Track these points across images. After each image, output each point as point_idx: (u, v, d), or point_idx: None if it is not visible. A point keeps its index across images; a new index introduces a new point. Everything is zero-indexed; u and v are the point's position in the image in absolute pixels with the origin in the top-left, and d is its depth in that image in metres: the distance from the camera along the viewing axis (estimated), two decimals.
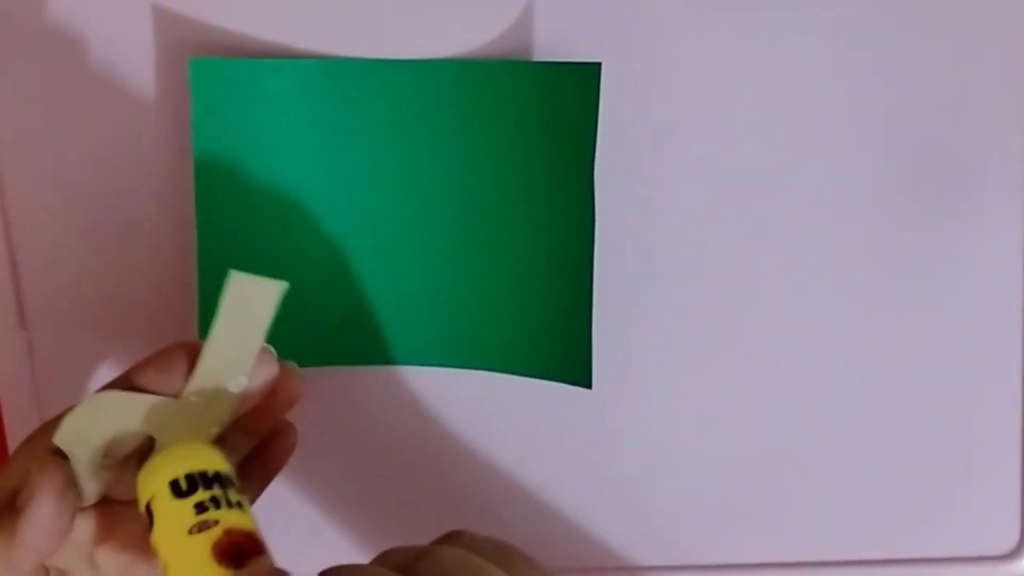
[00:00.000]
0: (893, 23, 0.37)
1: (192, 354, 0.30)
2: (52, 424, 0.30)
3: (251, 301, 0.30)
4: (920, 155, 0.38)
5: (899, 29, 0.37)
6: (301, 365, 0.33)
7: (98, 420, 0.29)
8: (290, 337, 0.35)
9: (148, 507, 0.28)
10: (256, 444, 0.34)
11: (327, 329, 0.39)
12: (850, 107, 0.38)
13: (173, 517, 0.27)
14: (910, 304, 0.40)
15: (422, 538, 0.31)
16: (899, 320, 0.40)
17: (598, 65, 0.36)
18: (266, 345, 0.31)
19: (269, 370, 0.31)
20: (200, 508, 0.27)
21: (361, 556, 0.41)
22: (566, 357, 0.38)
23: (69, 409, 0.29)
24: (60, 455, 0.29)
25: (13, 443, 0.39)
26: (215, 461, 0.29)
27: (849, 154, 0.38)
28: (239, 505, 0.28)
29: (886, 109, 0.38)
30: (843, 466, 0.41)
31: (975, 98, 0.38)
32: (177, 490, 0.28)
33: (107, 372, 0.39)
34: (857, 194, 0.39)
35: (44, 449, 0.29)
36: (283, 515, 0.41)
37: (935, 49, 0.38)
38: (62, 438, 0.29)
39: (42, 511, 0.28)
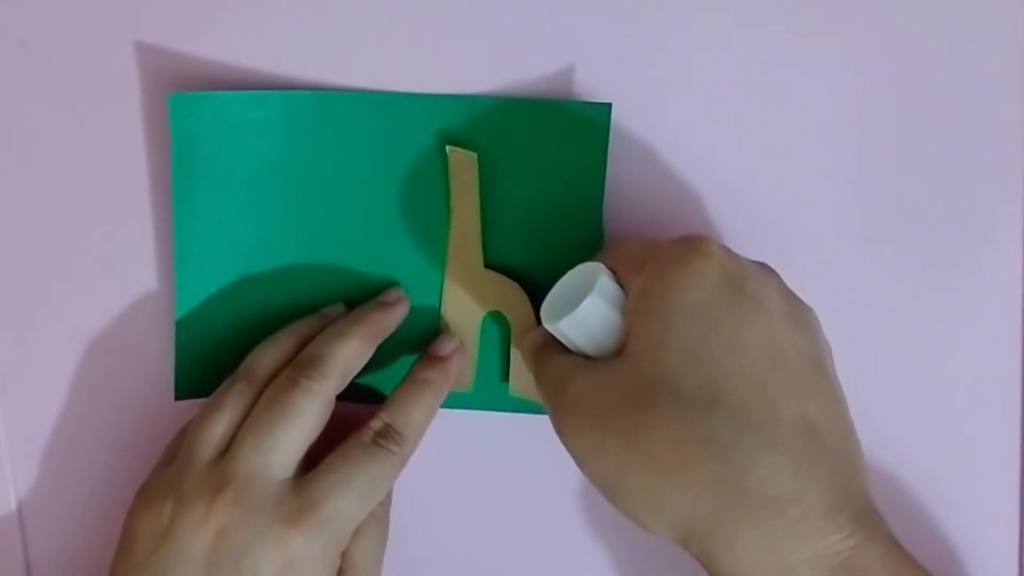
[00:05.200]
0: (902, 59, 0.38)
1: None
2: None
3: None
4: (920, 189, 0.38)
5: (907, 64, 0.38)
6: None
7: None
8: None
9: None
10: None
11: None
12: (858, 144, 0.38)
13: None
14: (902, 351, 0.39)
15: None
16: (892, 365, 0.39)
17: (608, 105, 0.36)
18: None
19: None
20: None
21: None
22: None
23: None
24: None
25: None
26: None
27: (857, 189, 0.38)
28: None
29: (893, 144, 0.38)
30: None
31: (976, 125, 0.38)
32: None
33: (80, 411, 0.39)
34: (863, 238, 0.38)
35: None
36: None
37: (938, 80, 0.38)
38: None
39: None
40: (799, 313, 0.32)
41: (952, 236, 0.38)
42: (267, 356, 0.35)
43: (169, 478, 0.34)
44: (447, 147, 0.36)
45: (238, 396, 0.34)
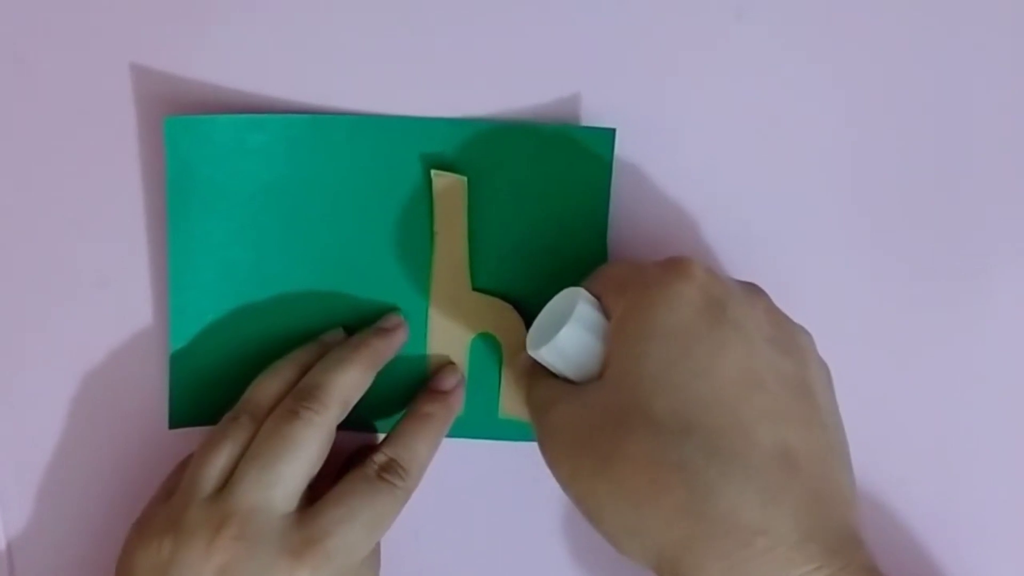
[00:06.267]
0: (906, 79, 0.38)
1: None
2: None
3: None
4: (928, 210, 0.38)
5: (911, 83, 0.38)
6: None
7: None
8: None
9: None
10: None
11: None
12: (863, 167, 0.38)
13: None
14: (911, 370, 0.39)
15: None
16: (900, 384, 0.39)
17: (612, 131, 0.36)
18: None
19: None
20: None
21: None
22: None
23: None
24: None
25: None
26: None
27: (862, 211, 0.38)
28: None
29: (898, 166, 0.38)
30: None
31: (982, 135, 0.38)
32: None
33: (72, 440, 0.39)
34: (869, 259, 0.38)
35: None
36: None
37: (942, 94, 0.38)
38: None
39: None
40: (787, 336, 0.32)
41: (962, 253, 0.38)
42: (268, 387, 0.35)
43: (168, 513, 0.33)
44: (432, 171, 0.36)
45: (239, 429, 0.34)
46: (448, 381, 0.37)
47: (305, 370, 0.35)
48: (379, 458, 0.34)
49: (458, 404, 0.37)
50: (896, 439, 0.39)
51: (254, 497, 0.32)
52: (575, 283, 0.35)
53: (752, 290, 0.33)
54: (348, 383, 0.34)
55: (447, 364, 0.38)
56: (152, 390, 0.38)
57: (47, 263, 0.38)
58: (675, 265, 0.31)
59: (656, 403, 0.29)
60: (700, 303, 0.31)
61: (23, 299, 0.38)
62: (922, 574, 0.40)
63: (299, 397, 0.34)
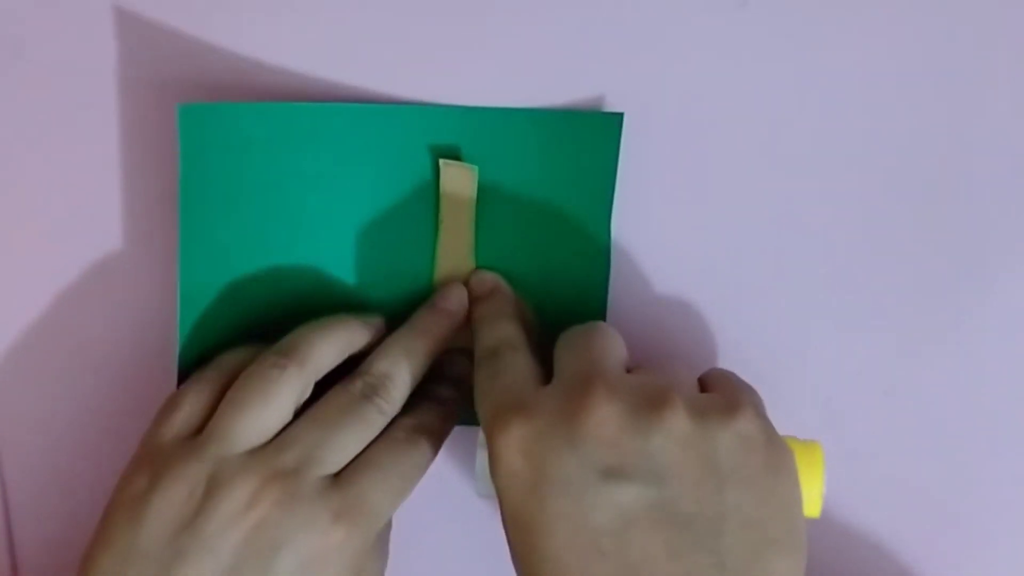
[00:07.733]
0: (912, 69, 0.38)
1: None
2: None
3: None
4: (935, 216, 0.38)
5: (917, 72, 0.38)
6: None
7: None
8: None
9: None
10: None
11: None
12: (864, 158, 0.38)
13: None
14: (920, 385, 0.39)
15: None
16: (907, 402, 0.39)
17: (620, 115, 0.36)
18: None
19: None
20: None
21: None
22: None
23: None
24: None
25: None
26: None
27: (870, 218, 0.38)
28: None
29: (905, 160, 0.38)
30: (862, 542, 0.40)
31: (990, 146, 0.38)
32: None
33: (79, 422, 0.39)
34: (880, 270, 0.39)
35: None
36: None
37: (952, 96, 0.38)
38: None
39: None
40: (637, 447, 0.30)
41: (964, 251, 0.38)
42: (323, 345, 0.35)
43: (205, 459, 0.33)
44: (440, 160, 0.37)
45: (291, 383, 0.34)
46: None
47: (363, 340, 0.36)
48: (405, 422, 0.35)
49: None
50: (896, 438, 0.39)
51: (305, 459, 0.33)
52: (577, 271, 0.36)
53: (579, 398, 0.31)
54: (414, 378, 0.35)
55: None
56: (161, 375, 0.39)
57: (52, 250, 0.39)
58: (497, 426, 0.32)
59: None
60: (524, 476, 0.31)
61: (31, 281, 0.39)
62: (923, 572, 0.39)
63: (374, 389, 0.34)
